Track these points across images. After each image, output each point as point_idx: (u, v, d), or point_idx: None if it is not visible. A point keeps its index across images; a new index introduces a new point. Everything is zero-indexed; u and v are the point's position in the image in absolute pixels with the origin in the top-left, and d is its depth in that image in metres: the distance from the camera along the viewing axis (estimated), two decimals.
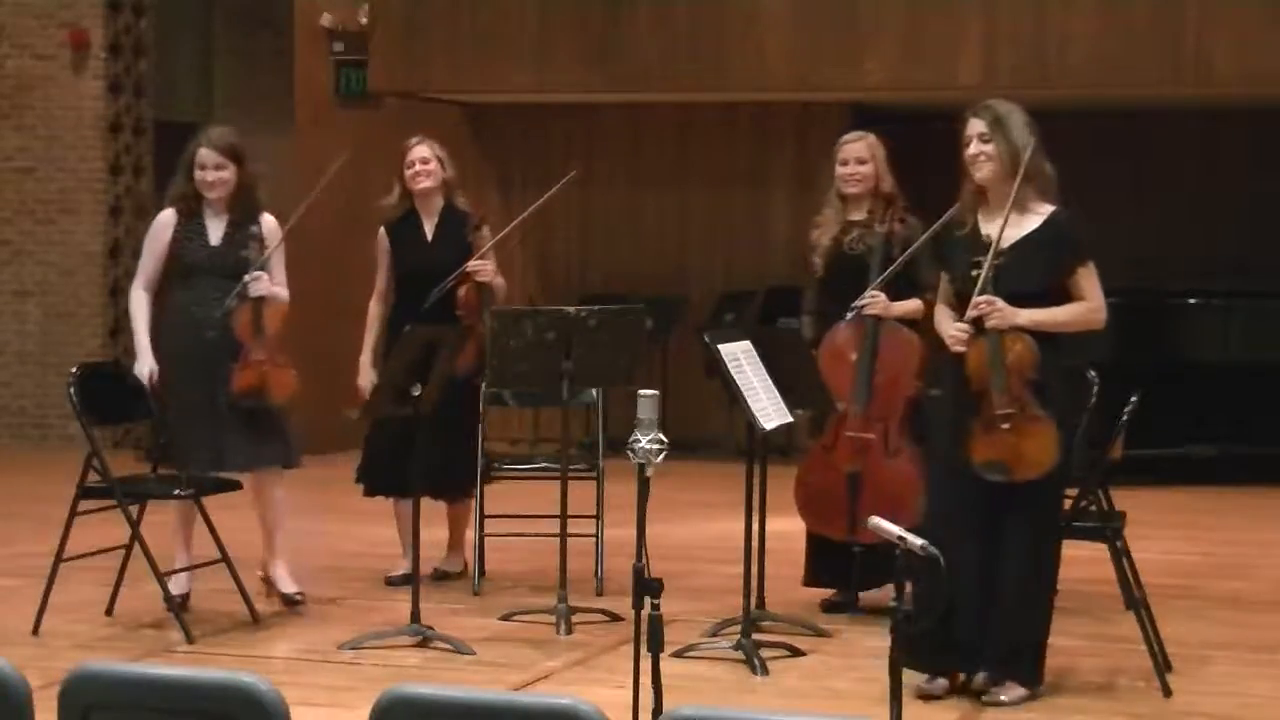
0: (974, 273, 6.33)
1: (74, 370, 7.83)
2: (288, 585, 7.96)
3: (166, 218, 8.00)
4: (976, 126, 6.48)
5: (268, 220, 8.10)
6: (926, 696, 6.40)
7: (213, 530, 7.73)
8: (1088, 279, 6.43)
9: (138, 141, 13.85)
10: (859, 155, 8.00)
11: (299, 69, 13.76)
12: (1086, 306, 6.42)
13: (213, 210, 7.97)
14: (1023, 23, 12.17)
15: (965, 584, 6.26)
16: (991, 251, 6.30)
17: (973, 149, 6.47)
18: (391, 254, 8.65)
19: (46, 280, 13.51)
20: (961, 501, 6.35)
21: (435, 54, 13.24)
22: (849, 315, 7.70)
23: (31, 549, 8.78)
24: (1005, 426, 6.25)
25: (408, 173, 8.64)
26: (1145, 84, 12.21)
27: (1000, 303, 6.30)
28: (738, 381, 7.02)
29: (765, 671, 6.88)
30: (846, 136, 8.19)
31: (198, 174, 7.91)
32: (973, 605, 6.32)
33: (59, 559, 7.58)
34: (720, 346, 7.07)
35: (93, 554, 8.08)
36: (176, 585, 7.80)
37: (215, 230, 7.97)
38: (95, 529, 8.08)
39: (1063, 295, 6.42)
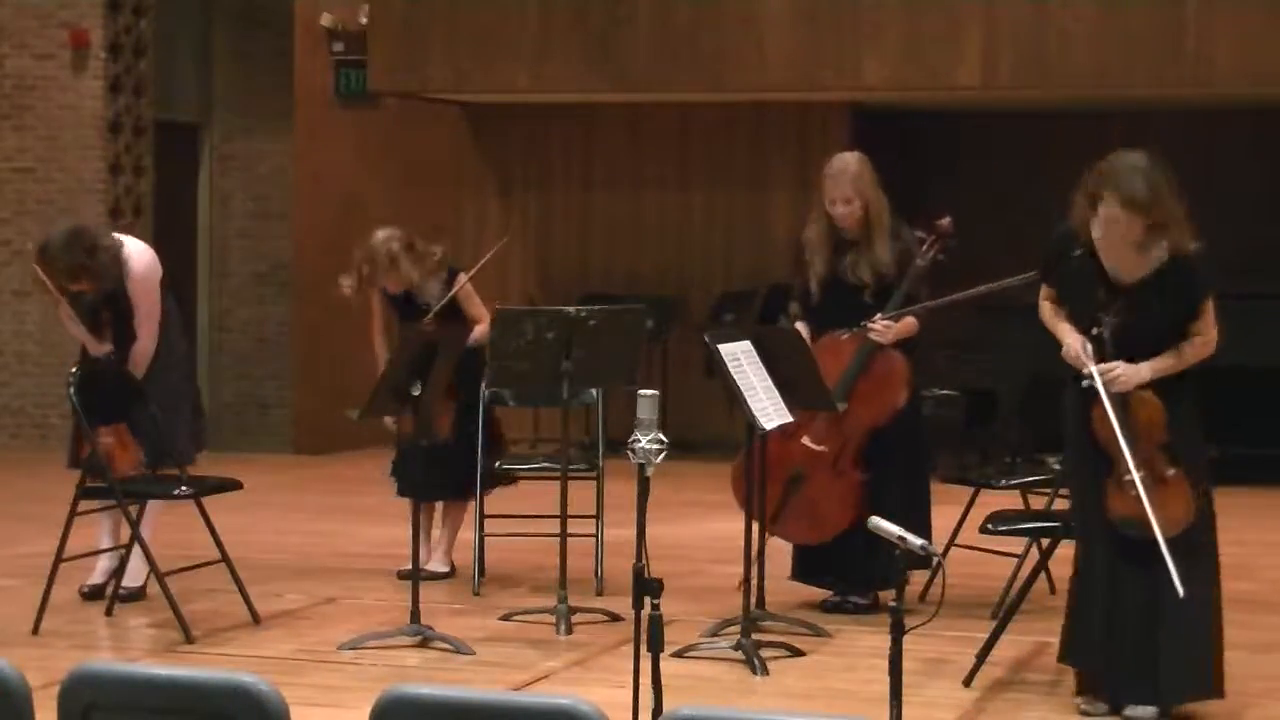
0: (1094, 330, 6.13)
1: (74, 370, 7.83)
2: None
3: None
4: (1120, 211, 6.10)
5: (133, 273, 8.00)
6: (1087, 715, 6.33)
7: (212, 530, 7.73)
8: (1207, 312, 6.23)
9: (138, 141, 13.84)
10: (845, 195, 7.85)
11: (299, 69, 13.76)
12: (1202, 341, 6.22)
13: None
14: (1023, 23, 12.16)
15: (1125, 615, 6.18)
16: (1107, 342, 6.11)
17: (1113, 214, 6.11)
18: (387, 303, 8.61)
19: None
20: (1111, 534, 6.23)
21: (435, 54, 13.24)
22: (855, 329, 7.74)
23: (31, 549, 8.77)
24: (1134, 493, 6.11)
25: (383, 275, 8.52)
26: (1145, 84, 12.21)
27: (1121, 368, 6.11)
28: (738, 381, 7.02)
29: (765, 671, 6.88)
30: (833, 165, 7.97)
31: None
32: (1130, 634, 6.21)
33: (59, 559, 7.58)
34: (720, 346, 7.07)
35: (93, 554, 8.09)
36: (99, 575, 8.04)
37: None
38: (95, 529, 8.09)
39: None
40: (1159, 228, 6.13)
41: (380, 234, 8.51)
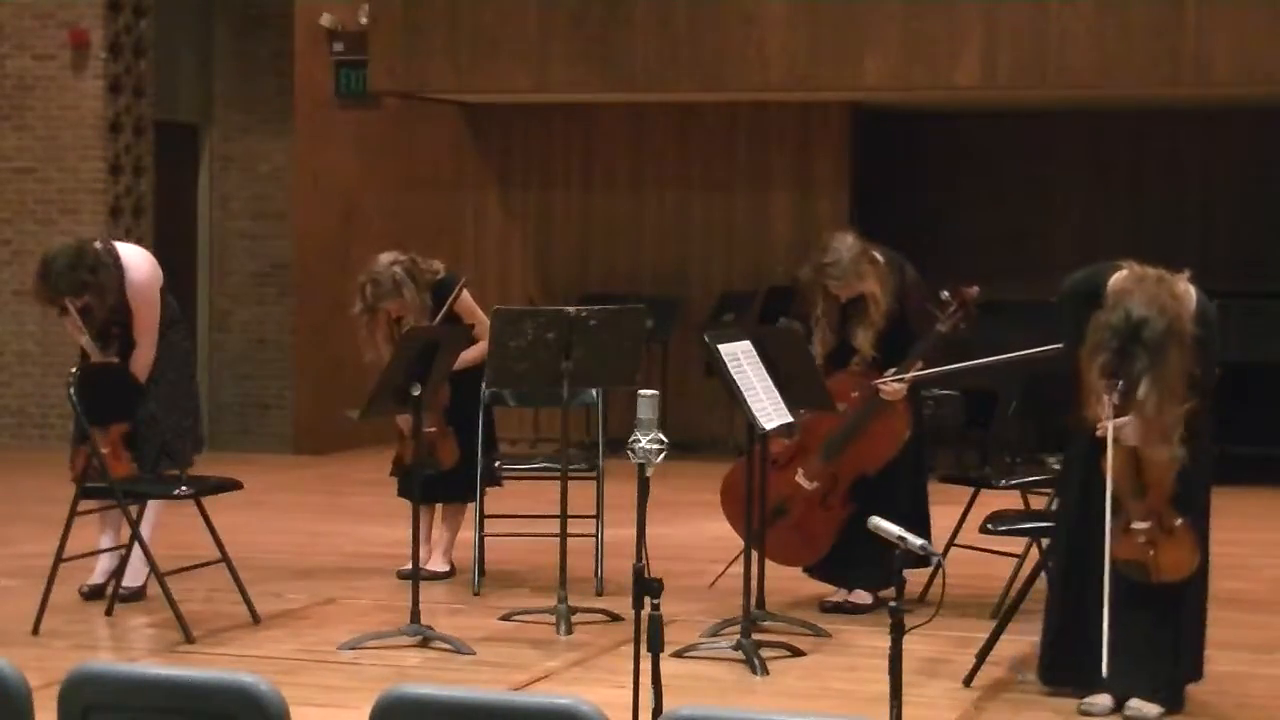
0: (1108, 390, 6.03)
1: (74, 370, 7.84)
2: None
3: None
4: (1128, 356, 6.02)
5: (132, 281, 8.02)
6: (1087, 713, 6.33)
7: (213, 530, 7.73)
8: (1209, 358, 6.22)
9: (138, 141, 13.84)
10: (837, 292, 7.82)
11: (299, 69, 13.76)
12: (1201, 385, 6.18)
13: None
14: (1023, 23, 12.17)
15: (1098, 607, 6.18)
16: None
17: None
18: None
19: None
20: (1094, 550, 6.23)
21: (435, 54, 13.24)
22: (868, 384, 7.77)
23: (31, 549, 8.78)
24: (1141, 540, 6.16)
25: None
26: (1145, 84, 12.21)
27: (1131, 429, 6.09)
28: (738, 381, 7.02)
29: (765, 671, 6.88)
30: (827, 255, 7.80)
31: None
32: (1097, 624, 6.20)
33: (59, 559, 7.58)
34: (720, 346, 7.08)
35: (93, 554, 8.09)
36: (98, 575, 8.06)
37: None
38: (95, 529, 8.09)
39: None
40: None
41: (384, 259, 8.50)
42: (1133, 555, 6.20)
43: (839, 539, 7.86)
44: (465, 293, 8.48)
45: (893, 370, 7.77)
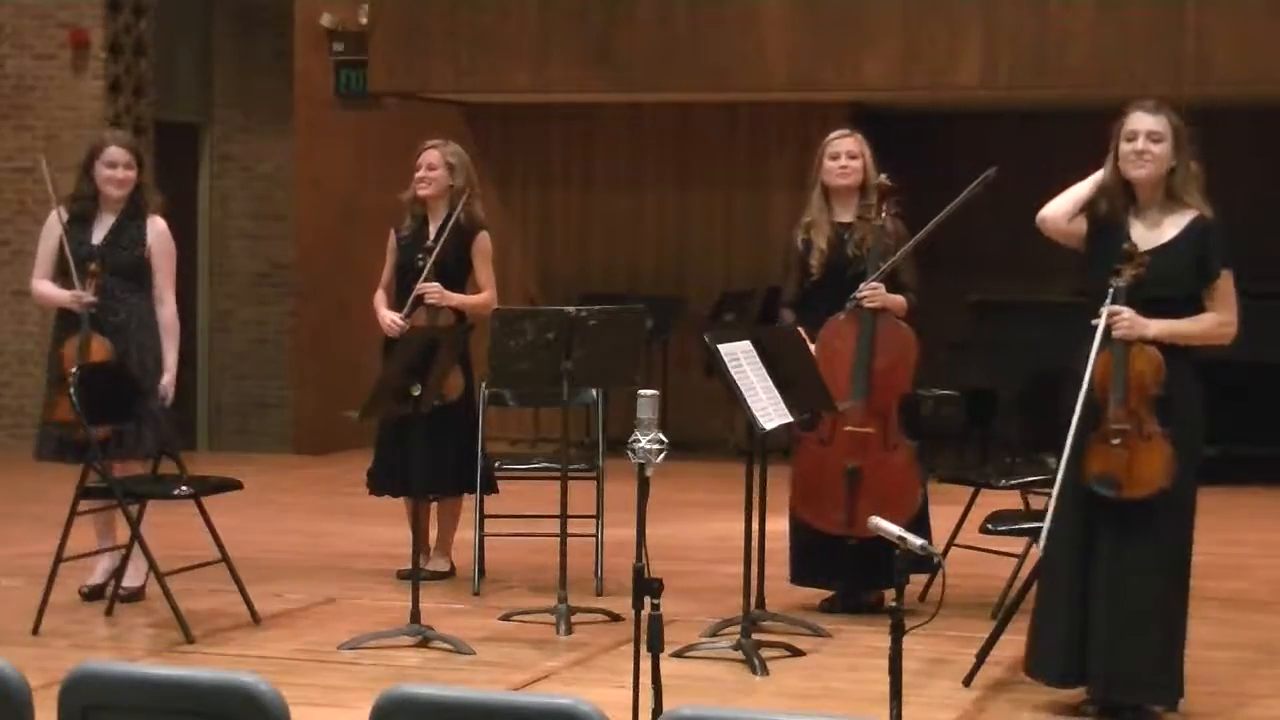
0: (1111, 281, 6.15)
1: (74, 370, 7.83)
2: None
3: (54, 218, 8.14)
4: (1147, 122, 6.24)
5: (157, 224, 8.07)
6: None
7: (213, 530, 7.73)
8: (1224, 290, 6.27)
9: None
10: (850, 150, 7.99)
11: (299, 69, 13.76)
12: (1217, 320, 6.25)
13: (107, 209, 8.06)
14: (1023, 23, 12.17)
15: (1075, 600, 6.21)
16: (1130, 266, 6.14)
17: (1139, 145, 6.21)
18: (397, 251, 8.64)
19: None
20: (1081, 518, 6.22)
21: (435, 54, 13.24)
22: (847, 307, 7.75)
23: (31, 549, 8.78)
24: (1116, 443, 6.13)
25: (415, 175, 8.63)
26: (1145, 84, 12.19)
27: (1128, 314, 6.13)
28: (738, 381, 7.01)
29: (765, 671, 6.88)
30: (835, 133, 8.14)
31: (106, 171, 7.95)
32: (1077, 621, 6.22)
33: (59, 559, 7.58)
34: (720, 346, 7.07)
35: (93, 554, 8.09)
36: (99, 575, 8.07)
37: (100, 230, 8.07)
38: (93, 529, 8.09)
39: (1201, 305, 6.26)
40: (1179, 181, 6.19)
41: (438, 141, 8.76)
42: (1105, 466, 6.15)
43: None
44: (488, 241, 8.59)
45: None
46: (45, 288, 8.16)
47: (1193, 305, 6.25)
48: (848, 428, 7.75)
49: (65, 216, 8.07)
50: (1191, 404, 6.26)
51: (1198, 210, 6.27)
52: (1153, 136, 6.23)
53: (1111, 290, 6.17)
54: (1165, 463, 6.14)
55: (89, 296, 7.90)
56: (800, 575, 8.04)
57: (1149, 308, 6.17)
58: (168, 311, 8.10)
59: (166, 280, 8.13)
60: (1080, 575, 6.21)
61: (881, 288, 7.73)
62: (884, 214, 7.87)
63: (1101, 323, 6.16)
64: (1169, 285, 6.20)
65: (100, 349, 7.88)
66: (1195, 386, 6.28)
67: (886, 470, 7.72)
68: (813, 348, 7.76)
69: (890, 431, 7.76)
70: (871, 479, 7.70)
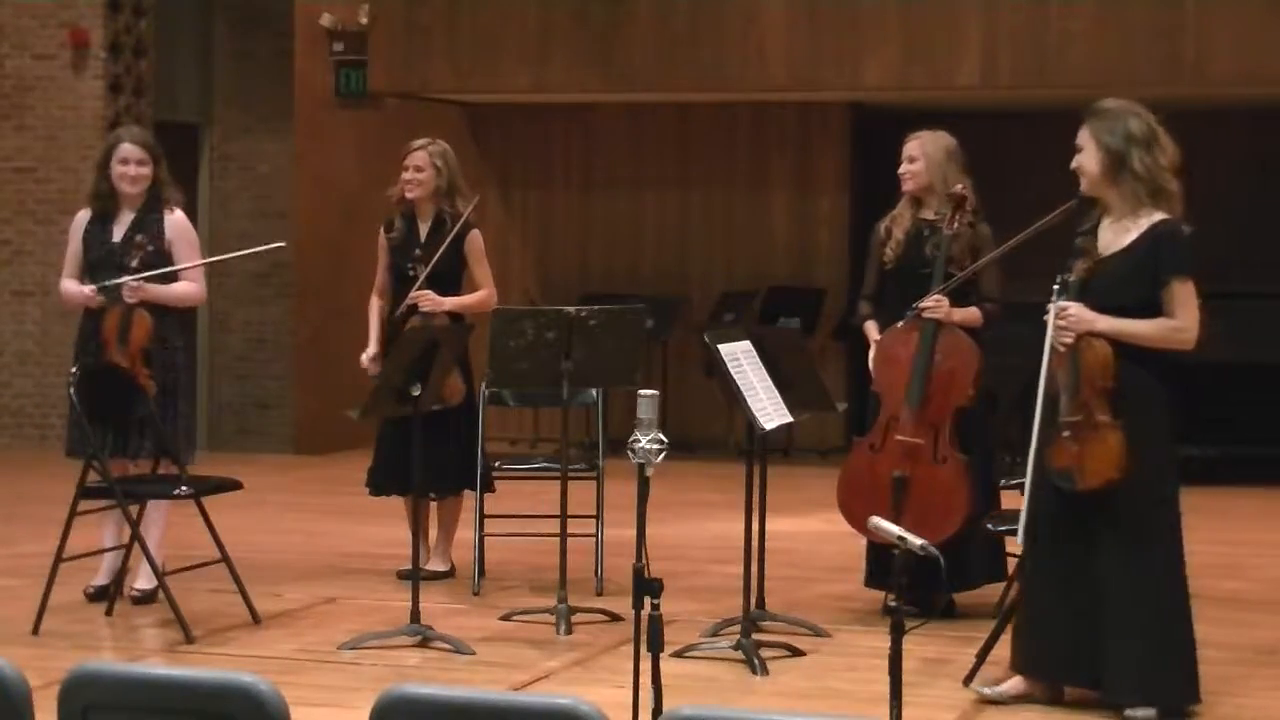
0: (1060, 276, 6.23)
1: (74, 370, 7.84)
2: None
3: (81, 217, 8.17)
4: (1079, 136, 6.41)
5: (175, 216, 8.07)
6: (993, 701, 6.34)
7: (212, 530, 7.73)
8: (1180, 296, 6.22)
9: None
10: (909, 153, 7.95)
11: (299, 69, 13.76)
12: (1170, 325, 6.20)
13: (126, 206, 8.09)
14: (1023, 23, 12.18)
15: (1054, 591, 6.21)
16: (1080, 261, 6.22)
17: (1073, 163, 6.39)
18: (388, 252, 8.64)
19: (46, 280, 13.46)
20: (1055, 509, 6.24)
21: (435, 54, 13.25)
22: (908, 315, 7.66)
23: (31, 549, 8.78)
24: (1066, 434, 6.14)
25: (402, 176, 8.61)
26: (1145, 84, 12.21)
27: (1075, 309, 6.16)
28: (738, 381, 7.01)
29: (765, 671, 6.88)
30: (911, 135, 8.06)
31: (119, 168, 7.97)
32: (1060, 613, 6.24)
33: (59, 559, 7.58)
34: (720, 346, 7.07)
35: (93, 554, 8.09)
36: (104, 576, 8.05)
37: (120, 227, 8.08)
38: (95, 529, 8.09)
39: (1161, 310, 6.24)
40: (1138, 189, 6.25)
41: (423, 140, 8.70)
42: (1064, 461, 6.17)
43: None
44: (480, 239, 8.59)
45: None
46: (66, 285, 8.17)
47: (1149, 313, 6.23)
48: (899, 436, 7.65)
49: (90, 217, 8.11)
50: (1150, 402, 6.24)
51: (1164, 215, 6.27)
52: (1076, 148, 6.37)
53: (1058, 284, 6.23)
54: (1114, 453, 6.13)
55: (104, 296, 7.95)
56: (876, 578, 7.92)
57: (1105, 313, 6.18)
58: (192, 285, 8.13)
59: (196, 270, 8.18)
60: (1063, 572, 6.23)
61: (945, 300, 7.65)
62: (956, 223, 7.77)
63: (1051, 318, 6.20)
64: (1121, 290, 6.22)
65: (142, 322, 7.88)
66: (1156, 387, 6.27)
67: (933, 483, 7.57)
68: (871, 353, 7.77)
69: (941, 444, 7.62)
70: (919, 489, 7.54)
